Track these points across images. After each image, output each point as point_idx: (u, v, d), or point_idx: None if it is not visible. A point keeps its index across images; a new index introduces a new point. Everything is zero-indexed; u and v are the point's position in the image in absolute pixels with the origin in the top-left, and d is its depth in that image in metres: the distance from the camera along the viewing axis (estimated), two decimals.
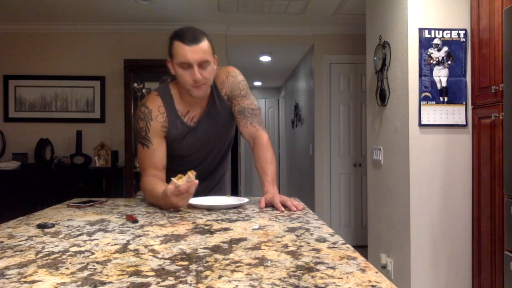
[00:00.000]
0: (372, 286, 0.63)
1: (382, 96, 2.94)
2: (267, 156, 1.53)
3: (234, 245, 0.88)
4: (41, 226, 1.08)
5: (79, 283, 0.64)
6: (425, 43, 2.54)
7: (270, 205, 1.39)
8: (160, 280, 0.65)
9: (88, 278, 0.66)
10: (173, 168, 1.59)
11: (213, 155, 1.71)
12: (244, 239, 0.93)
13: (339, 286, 0.62)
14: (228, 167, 1.87)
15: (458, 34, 2.54)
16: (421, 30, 2.54)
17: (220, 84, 1.61)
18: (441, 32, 2.54)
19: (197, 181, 1.27)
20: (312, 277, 0.66)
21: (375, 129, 3.15)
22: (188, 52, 1.41)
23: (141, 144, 1.54)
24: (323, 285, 0.63)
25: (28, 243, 0.91)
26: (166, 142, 1.58)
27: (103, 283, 0.64)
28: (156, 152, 1.53)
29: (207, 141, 1.64)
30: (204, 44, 1.44)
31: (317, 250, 0.83)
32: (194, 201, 1.44)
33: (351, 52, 4.61)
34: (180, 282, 0.64)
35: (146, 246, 0.87)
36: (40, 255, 0.81)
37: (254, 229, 1.04)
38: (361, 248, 4.08)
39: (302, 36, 4.69)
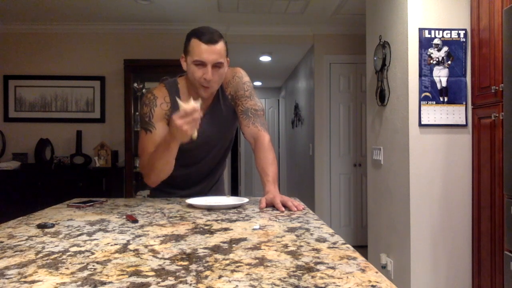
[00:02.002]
0: (372, 286, 0.63)
1: (382, 96, 2.94)
2: (268, 157, 1.54)
3: (234, 245, 0.88)
4: (41, 226, 1.08)
5: (79, 283, 0.64)
6: (425, 43, 2.54)
7: (271, 205, 1.39)
8: (160, 280, 0.65)
9: (88, 278, 0.66)
10: (175, 163, 1.60)
11: (214, 153, 1.72)
12: (244, 239, 0.93)
13: (339, 286, 0.62)
14: (226, 165, 1.88)
15: (458, 34, 2.54)
16: (421, 30, 2.54)
17: (226, 84, 1.63)
18: (441, 32, 2.54)
19: (198, 108, 1.28)
20: (312, 277, 0.66)
21: (375, 129, 3.15)
22: (204, 51, 1.43)
23: (144, 130, 1.55)
24: (323, 285, 0.63)
25: (28, 243, 0.91)
26: None
27: (103, 283, 0.64)
28: (159, 138, 1.53)
29: (209, 138, 1.65)
30: (221, 45, 1.46)
31: (317, 250, 0.83)
32: (194, 201, 1.44)
33: (351, 52, 4.61)
34: (180, 282, 0.64)
35: (146, 246, 0.87)
36: (40, 255, 0.81)
37: (254, 229, 1.04)
38: (361, 248, 4.07)
39: (302, 36, 4.69)
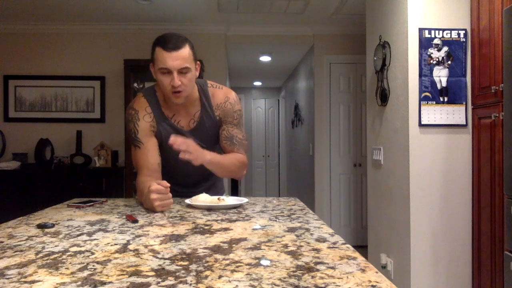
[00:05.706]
0: (372, 286, 0.63)
1: (383, 96, 2.94)
2: (232, 156, 1.60)
3: (234, 245, 0.88)
4: (41, 226, 1.08)
5: (79, 283, 0.64)
6: (425, 43, 2.54)
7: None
8: (160, 280, 0.65)
9: (88, 278, 0.66)
10: (169, 170, 1.62)
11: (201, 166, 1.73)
12: (244, 239, 0.93)
13: (339, 286, 0.62)
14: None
15: (458, 34, 2.54)
16: (421, 30, 2.54)
17: (216, 105, 1.62)
18: (441, 32, 2.54)
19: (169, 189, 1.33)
20: (312, 277, 0.66)
21: (375, 129, 3.15)
22: (168, 58, 1.42)
23: (134, 145, 1.58)
24: (323, 285, 0.63)
25: (28, 243, 0.91)
26: (158, 143, 1.60)
27: (103, 283, 0.64)
28: (149, 152, 1.55)
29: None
30: (185, 51, 1.44)
31: (317, 250, 0.83)
32: (194, 201, 1.44)
33: (351, 52, 4.61)
34: (180, 282, 0.64)
35: (146, 246, 0.87)
36: (40, 255, 0.81)
37: (254, 229, 1.04)
38: (361, 248, 4.08)
39: (302, 36, 4.69)
